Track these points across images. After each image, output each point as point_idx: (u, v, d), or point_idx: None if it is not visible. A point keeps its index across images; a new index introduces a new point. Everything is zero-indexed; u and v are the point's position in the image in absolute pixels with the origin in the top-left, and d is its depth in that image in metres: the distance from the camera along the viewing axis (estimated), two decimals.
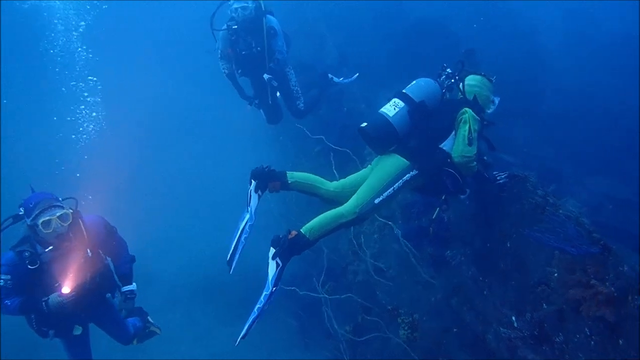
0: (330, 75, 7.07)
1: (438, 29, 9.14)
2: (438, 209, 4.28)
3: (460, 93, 3.94)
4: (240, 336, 3.40)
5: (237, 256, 3.86)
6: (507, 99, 9.54)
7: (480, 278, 4.32)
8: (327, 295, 6.33)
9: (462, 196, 3.94)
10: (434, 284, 4.89)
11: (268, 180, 3.84)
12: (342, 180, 4.01)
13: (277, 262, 3.31)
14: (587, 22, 12.09)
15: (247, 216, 3.85)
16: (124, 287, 4.43)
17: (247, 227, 3.83)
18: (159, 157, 13.27)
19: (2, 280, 3.73)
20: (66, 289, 3.85)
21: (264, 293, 3.35)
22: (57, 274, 3.91)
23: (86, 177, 10.55)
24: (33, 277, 3.82)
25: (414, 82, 3.92)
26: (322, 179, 3.99)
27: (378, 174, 3.72)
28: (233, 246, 3.89)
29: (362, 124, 3.82)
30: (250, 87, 6.87)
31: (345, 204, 3.63)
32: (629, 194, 8.10)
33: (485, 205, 4.30)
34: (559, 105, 9.73)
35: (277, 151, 9.47)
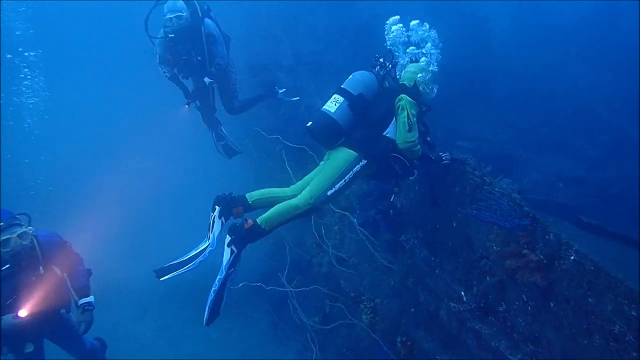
0: (277, 88, 7.15)
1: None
2: (393, 194, 4.50)
3: (393, 81, 4.16)
4: (205, 322, 3.60)
5: (177, 273, 3.90)
6: (460, 86, 9.88)
7: (432, 258, 4.56)
8: (292, 289, 6.48)
9: (411, 178, 4.17)
10: (391, 268, 5.11)
11: (231, 206, 3.92)
12: (298, 183, 4.14)
13: (232, 249, 3.49)
14: (532, 5, 12.47)
15: (208, 242, 3.90)
16: (81, 300, 4.39)
17: (206, 252, 3.87)
18: (117, 166, 13.16)
19: None
20: (23, 312, 3.90)
21: (218, 277, 3.53)
22: (8, 292, 3.90)
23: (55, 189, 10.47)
24: None
25: (351, 76, 4.08)
26: (280, 189, 4.12)
27: (329, 167, 3.88)
28: (178, 262, 3.95)
29: (307, 123, 3.97)
30: (192, 88, 6.69)
31: (299, 196, 3.80)
32: (579, 172, 8.53)
33: (432, 189, 4.53)
34: (509, 89, 10.04)
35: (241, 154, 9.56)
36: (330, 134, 3.91)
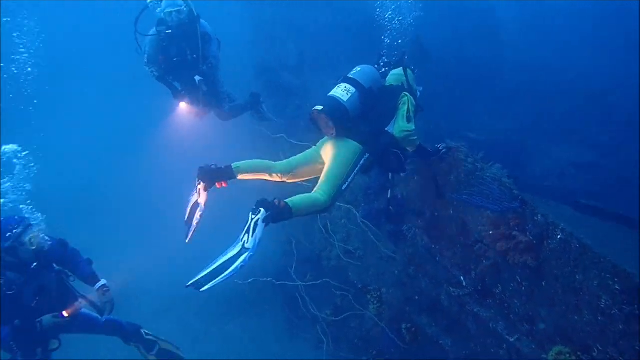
0: (261, 100, 7.01)
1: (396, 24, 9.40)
2: (390, 189, 4.58)
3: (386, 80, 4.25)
4: (202, 288, 3.10)
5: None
6: (467, 78, 9.87)
7: (432, 246, 4.66)
8: (302, 283, 6.63)
9: (402, 174, 4.24)
10: (395, 258, 5.21)
11: (216, 178, 3.82)
12: (284, 162, 4.08)
13: (265, 224, 3.26)
14: None
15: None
16: (96, 285, 4.53)
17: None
18: (124, 170, 13.49)
19: None
20: (65, 313, 4.17)
21: (249, 254, 3.14)
22: (34, 291, 4.10)
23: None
24: (11, 301, 3.97)
25: (359, 68, 4.08)
26: (268, 163, 4.01)
27: (340, 163, 3.81)
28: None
29: (316, 107, 3.88)
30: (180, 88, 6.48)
31: (318, 192, 3.68)
32: (591, 157, 8.50)
33: (429, 178, 4.63)
34: (518, 79, 10.04)
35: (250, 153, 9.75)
36: (340, 122, 3.85)
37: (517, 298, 3.68)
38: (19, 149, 4.86)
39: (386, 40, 4.44)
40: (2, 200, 4.42)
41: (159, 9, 5.69)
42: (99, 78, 15.96)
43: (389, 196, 4.80)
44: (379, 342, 5.60)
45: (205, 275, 3.09)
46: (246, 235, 3.21)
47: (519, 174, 4.52)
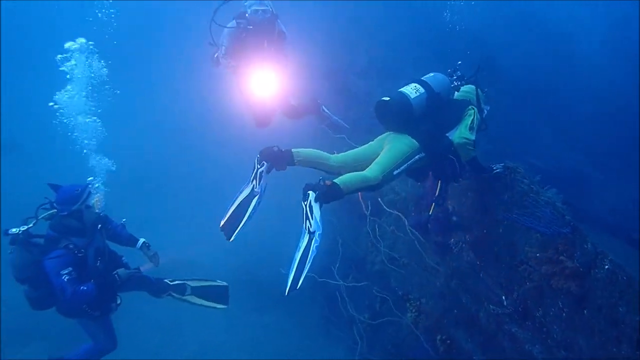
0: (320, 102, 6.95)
1: (470, 39, 9.33)
2: (433, 204, 4.60)
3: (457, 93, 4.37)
4: (297, 286, 3.28)
5: (239, 228, 3.90)
6: (538, 104, 9.69)
7: (477, 262, 4.69)
8: (344, 283, 6.79)
9: (455, 183, 4.32)
10: (438, 270, 5.28)
11: (278, 161, 3.92)
12: (341, 155, 4.20)
13: (318, 204, 3.36)
14: (622, 23, 11.92)
15: (257, 196, 3.91)
16: (137, 244, 4.99)
17: (257, 204, 3.89)
18: (188, 154, 14.08)
19: (66, 275, 4.08)
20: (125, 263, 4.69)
21: (318, 232, 3.29)
22: (92, 256, 4.46)
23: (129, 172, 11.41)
24: (81, 263, 4.32)
25: (432, 74, 4.25)
26: (325, 154, 4.12)
27: (394, 150, 3.91)
28: (231, 213, 3.94)
29: (383, 97, 4.04)
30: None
31: (369, 170, 3.78)
32: None
33: (483, 195, 4.67)
34: (591, 112, 9.74)
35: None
36: (403, 115, 3.98)
37: (557, 324, 3.67)
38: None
39: (458, 62, 4.56)
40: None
41: (246, 3, 5.93)
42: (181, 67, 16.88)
43: (430, 212, 4.81)
44: (412, 350, 5.67)
45: (294, 276, 3.24)
46: (307, 221, 3.36)
47: (576, 203, 4.49)
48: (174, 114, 15.79)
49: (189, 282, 5.49)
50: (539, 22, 11.50)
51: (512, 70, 9.41)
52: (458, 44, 9.00)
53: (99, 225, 4.53)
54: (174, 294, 5.39)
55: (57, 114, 5.24)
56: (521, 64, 10.01)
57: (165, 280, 5.36)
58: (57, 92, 5.23)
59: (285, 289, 3.24)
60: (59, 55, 5.31)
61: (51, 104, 5.19)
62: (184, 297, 5.46)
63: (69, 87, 5.28)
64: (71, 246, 4.22)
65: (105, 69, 5.65)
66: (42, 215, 4.32)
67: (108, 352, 4.93)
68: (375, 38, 9.63)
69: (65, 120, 5.26)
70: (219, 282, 5.72)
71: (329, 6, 10.55)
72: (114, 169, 5.14)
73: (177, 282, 5.42)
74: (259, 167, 3.91)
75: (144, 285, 5.15)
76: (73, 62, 5.34)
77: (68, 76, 5.31)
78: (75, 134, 5.25)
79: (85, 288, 4.14)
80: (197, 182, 12.83)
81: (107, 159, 5.09)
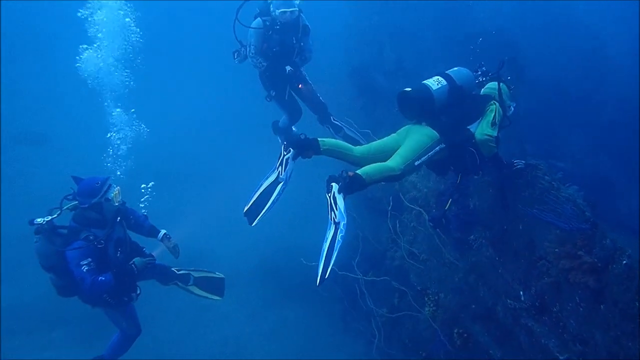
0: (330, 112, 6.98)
1: (499, 41, 9.29)
2: (450, 199, 4.63)
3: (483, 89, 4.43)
4: (325, 275, 3.42)
5: (262, 213, 4.04)
6: (566, 108, 9.64)
7: (496, 258, 4.75)
8: (364, 277, 6.90)
9: (475, 176, 4.37)
10: (457, 265, 5.34)
11: (304, 148, 4.02)
12: (365, 146, 4.30)
13: (342, 195, 3.48)
14: None
15: (282, 182, 4.05)
16: (159, 235, 5.14)
17: (281, 191, 4.04)
18: (215, 149, 14.39)
19: (85, 266, 4.24)
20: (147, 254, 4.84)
21: (342, 223, 3.41)
22: (112, 247, 4.61)
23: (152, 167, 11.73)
24: (101, 254, 4.47)
25: (457, 68, 4.32)
26: (349, 145, 4.21)
27: (416, 140, 3.98)
28: (256, 199, 4.07)
29: (405, 88, 4.12)
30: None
31: (391, 160, 3.86)
32: None
33: (504, 191, 4.72)
34: (619, 116, 9.62)
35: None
36: (422, 106, 4.05)
37: (574, 318, 3.72)
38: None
39: (483, 64, 4.64)
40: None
41: (272, 6, 5.97)
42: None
43: (446, 207, 4.80)
44: (429, 344, 5.75)
45: (323, 267, 3.39)
46: (332, 212, 3.50)
47: (598, 203, 4.50)
48: (202, 110, 16.18)
49: (192, 273, 5.73)
50: (570, 24, 11.38)
51: (540, 71, 9.35)
52: (487, 44, 9.00)
53: (119, 218, 4.69)
54: (179, 283, 5.63)
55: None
56: (550, 65, 9.94)
57: (173, 269, 5.58)
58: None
59: (317, 280, 3.39)
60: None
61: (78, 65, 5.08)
62: (187, 287, 5.71)
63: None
64: (91, 237, 4.37)
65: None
66: (66, 206, 4.47)
67: (134, 338, 5.14)
68: (404, 40, 9.68)
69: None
70: (218, 274, 5.98)
71: (357, 6, 10.66)
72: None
73: (183, 271, 5.66)
74: (285, 153, 4.02)
75: (155, 273, 5.36)
76: (103, 17, 5.12)
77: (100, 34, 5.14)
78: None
79: (103, 278, 4.30)
80: (220, 176, 13.07)
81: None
